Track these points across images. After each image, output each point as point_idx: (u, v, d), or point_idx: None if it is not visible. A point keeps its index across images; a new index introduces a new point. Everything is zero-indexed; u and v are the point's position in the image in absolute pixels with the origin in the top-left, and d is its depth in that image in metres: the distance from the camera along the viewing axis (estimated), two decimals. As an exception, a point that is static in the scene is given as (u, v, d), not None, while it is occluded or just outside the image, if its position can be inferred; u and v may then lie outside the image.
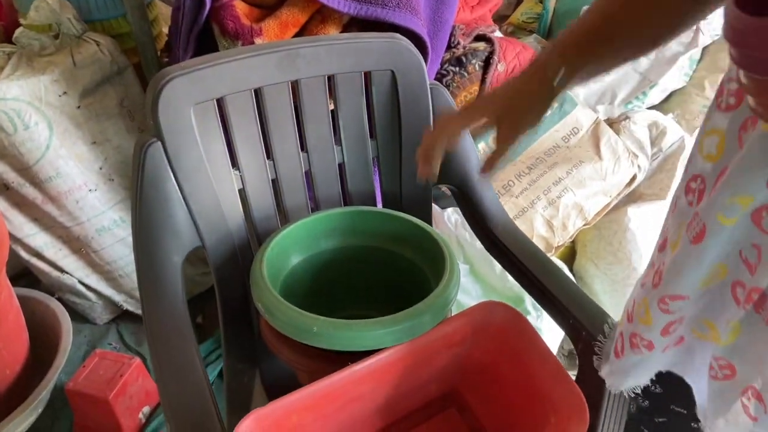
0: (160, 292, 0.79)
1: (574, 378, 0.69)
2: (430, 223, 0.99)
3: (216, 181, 0.83)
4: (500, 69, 1.15)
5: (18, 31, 1.23)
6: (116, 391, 1.19)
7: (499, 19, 2.21)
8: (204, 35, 1.10)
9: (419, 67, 0.91)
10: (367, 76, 0.90)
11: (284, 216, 0.92)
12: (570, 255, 1.44)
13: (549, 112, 0.63)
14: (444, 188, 1.11)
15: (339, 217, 0.88)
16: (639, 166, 1.34)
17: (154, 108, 0.77)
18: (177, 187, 0.81)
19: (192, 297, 1.49)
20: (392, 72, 0.90)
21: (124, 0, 1.25)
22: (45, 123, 1.21)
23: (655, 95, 1.57)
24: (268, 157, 0.88)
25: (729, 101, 0.50)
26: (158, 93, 0.77)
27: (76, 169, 1.27)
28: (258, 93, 0.83)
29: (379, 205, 0.99)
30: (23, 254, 1.34)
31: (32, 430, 1.23)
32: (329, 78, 0.88)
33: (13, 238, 1.30)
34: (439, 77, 1.15)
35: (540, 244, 1.29)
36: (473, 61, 1.14)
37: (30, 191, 1.26)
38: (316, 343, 0.67)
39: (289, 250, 0.85)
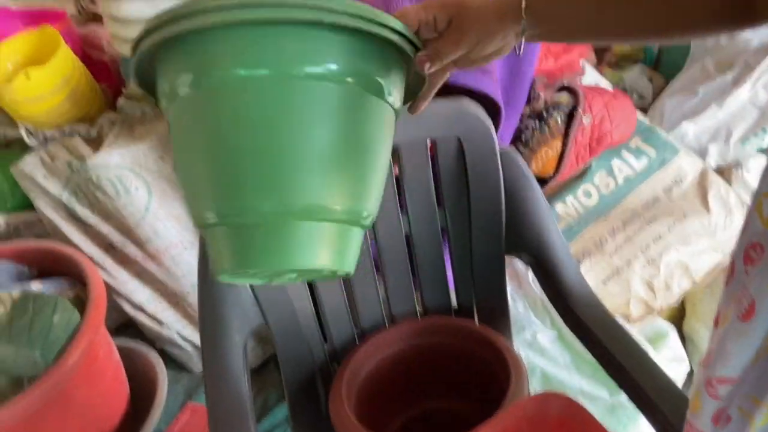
0: (222, 372, 0.80)
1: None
2: (504, 294, 0.94)
3: (279, 257, 0.84)
4: (586, 122, 1.07)
5: (121, 100, 1.32)
6: (205, 445, 1.23)
7: (602, 48, 2.10)
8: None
9: (488, 133, 0.86)
10: (433, 142, 0.87)
11: (350, 289, 0.90)
12: (679, 315, 1.30)
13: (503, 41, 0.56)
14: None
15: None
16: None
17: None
18: (240, 266, 0.82)
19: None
20: (458, 139, 0.86)
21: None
22: (144, 187, 1.29)
23: (778, 132, 1.40)
24: (332, 231, 0.87)
25: None
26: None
27: (173, 230, 1.34)
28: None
29: (450, 276, 0.95)
30: (128, 308, 1.42)
31: (130, 480, 1.29)
32: (394, 145, 0.86)
33: (118, 293, 1.39)
34: (518, 133, 1.10)
35: (638, 308, 1.18)
36: (555, 115, 1.07)
37: (132, 250, 1.34)
38: None
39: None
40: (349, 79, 0.53)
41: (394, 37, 0.54)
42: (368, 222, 0.58)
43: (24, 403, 0.95)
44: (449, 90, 1.00)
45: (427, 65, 0.57)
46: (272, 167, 0.51)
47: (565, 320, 0.91)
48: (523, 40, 0.57)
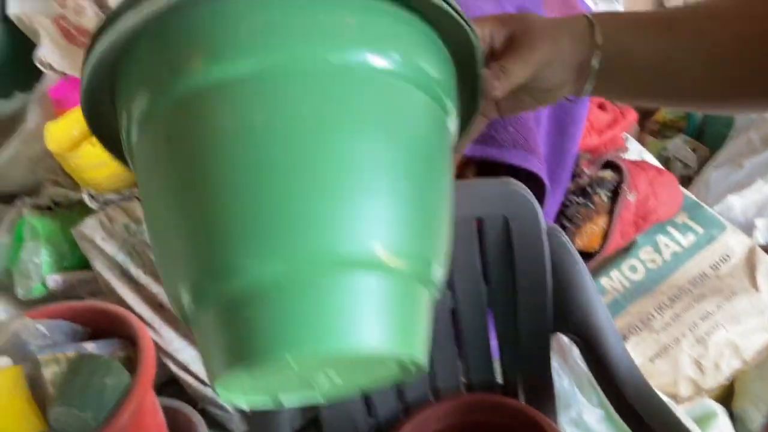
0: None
1: None
2: (549, 372, 0.93)
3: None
4: (631, 199, 1.08)
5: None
6: None
7: (644, 116, 2.11)
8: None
9: (534, 212, 0.88)
10: (480, 220, 0.89)
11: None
12: (728, 394, 1.27)
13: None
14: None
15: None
16: (809, 296, 1.17)
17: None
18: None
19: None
20: (505, 218, 0.88)
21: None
22: (195, 250, 1.33)
23: (830, 206, 1.38)
24: (379, 306, 0.88)
25: None
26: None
27: (220, 291, 1.37)
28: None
29: (495, 352, 0.95)
30: (172, 367, 1.45)
31: None
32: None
33: (164, 352, 1.42)
34: (563, 208, 1.11)
35: (687, 387, 1.15)
36: (599, 191, 1.09)
37: (180, 311, 1.38)
38: None
39: None
40: (411, 81, 0.39)
41: (474, 40, 0.44)
42: (438, 279, 0.43)
43: (74, 465, 0.97)
44: (496, 170, 1.03)
45: (496, 84, 0.47)
46: (305, 194, 0.35)
47: (610, 400, 0.90)
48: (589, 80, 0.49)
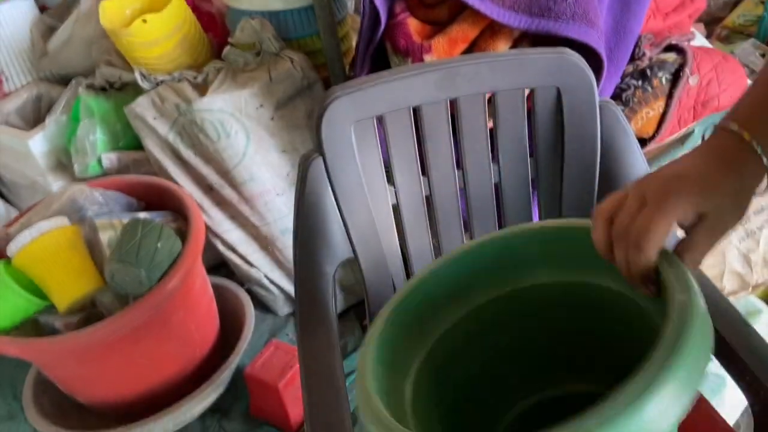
0: (312, 299, 0.84)
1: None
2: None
3: (371, 196, 0.86)
4: (692, 83, 1.03)
5: (226, 49, 1.39)
6: (285, 380, 1.29)
7: (713, 21, 1.99)
8: (381, 52, 1.15)
9: (588, 85, 0.85)
10: (530, 93, 0.86)
11: (436, 233, 0.92)
12: (775, 295, 1.24)
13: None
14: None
15: (494, 248, 0.61)
16: None
17: (319, 125, 0.82)
18: (334, 201, 0.85)
19: (361, 300, 1.56)
20: (557, 89, 0.85)
21: (317, 19, 1.35)
22: (243, 132, 1.35)
23: None
24: (423, 174, 0.88)
25: None
26: (323, 111, 0.82)
27: (267, 174, 1.40)
28: (417, 110, 0.85)
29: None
30: (221, 247, 1.51)
31: (215, 406, 1.38)
32: (490, 94, 0.86)
33: (213, 233, 1.47)
34: (619, 91, 1.07)
35: (733, 282, 1.13)
36: (659, 74, 1.03)
37: (228, 192, 1.42)
38: None
39: (424, 322, 0.60)
40: None
41: None
42: None
43: (130, 317, 1.04)
44: (551, 40, 0.99)
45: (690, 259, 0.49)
46: None
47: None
48: None
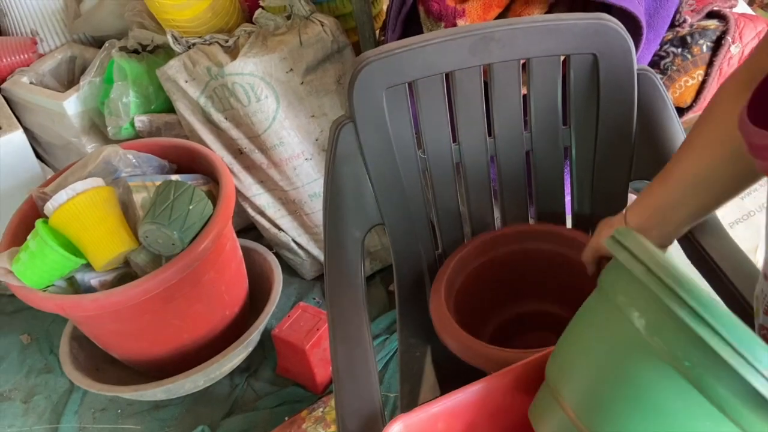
0: (341, 263, 0.85)
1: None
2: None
3: (401, 162, 0.86)
4: (734, 51, 0.99)
5: (257, 12, 1.38)
6: (312, 342, 1.32)
7: (758, -13, 1.91)
8: (413, 16, 1.13)
9: (627, 51, 0.83)
10: (566, 59, 0.85)
11: (466, 201, 0.92)
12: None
13: None
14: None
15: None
16: None
17: (350, 90, 0.82)
18: (364, 166, 0.85)
19: (386, 266, 1.57)
20: (594, 56, 0.84)
21: (348, -19, 1.34)
22: (273, 96, 1.35)
23: None
24: (453, 141, 0.88)
25: None
26: (355, 76, 0.81)
27: (296, 139, 1.40)
28: (449, 76, 0.84)
29: (567, 198, 0.93)
30: (250, 211, 1.53)
31: (244, 365, 1.42)
32: (525, 60, 0.85)
33: (242, 196, 1.49)
34: (657, 59, 1.04)
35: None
36: (700, 42, 1.00)
37: (258, 156, 1.43)
38: None
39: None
40: None
41: None
42: None
43: (163, 277, 1.06)
44: (588, 5, 0.97)
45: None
46: None
47: (690, 257, 0.87)
48: None
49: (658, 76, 0.97)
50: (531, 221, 0.96)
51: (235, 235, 1.36)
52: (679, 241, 0.82)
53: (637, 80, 0.84)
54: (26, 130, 1.53)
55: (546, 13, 0.98)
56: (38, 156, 1.62)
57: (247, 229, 1.68)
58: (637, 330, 0.46)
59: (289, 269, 1.63)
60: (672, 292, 0.44)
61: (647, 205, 0.69)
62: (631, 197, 0.91)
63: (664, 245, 0.71)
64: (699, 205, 0.66)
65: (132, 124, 1.48)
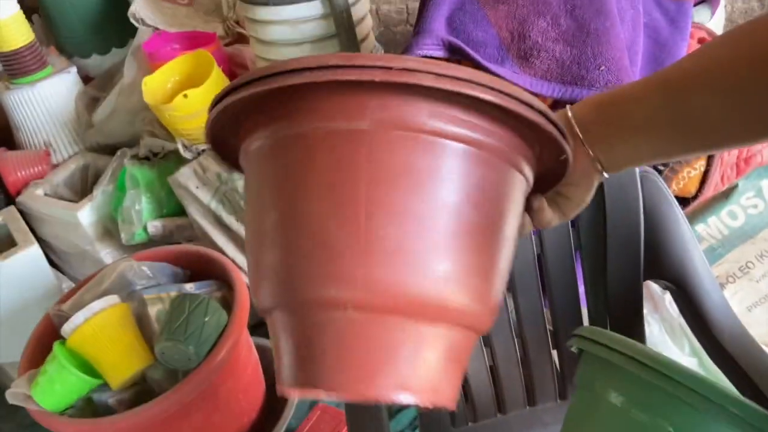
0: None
1: None
2: (641, 320, 0.91)
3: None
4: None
5: (264, 119, 1.42)
6: (333, 446, 1.29)
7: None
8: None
9: (627, 155, 0.85)
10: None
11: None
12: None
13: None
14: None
15: None
16: None
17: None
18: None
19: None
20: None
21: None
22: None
23: None
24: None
25: None
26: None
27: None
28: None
29: (582, 301, 0.94)
30: (264, 309, 1.53)
31: (265, 470, 1.38)
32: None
33: (256, 296, 1.49)
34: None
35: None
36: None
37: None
38: None
39: None
40: None
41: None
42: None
43: (181, 394, 1.06)
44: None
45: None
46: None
47: (707, 350, 0.87)
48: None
49: (662, 169, 0.99)
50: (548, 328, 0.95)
51: (250, 337, 1.36)
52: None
53: (640, 182, 0.86)
54: (41, 241, 1.55)
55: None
56: (53, 263, 1.65)
57: (259, 324, 1.67)
58: (617, 406, 0.51)
59: (305, 364, 1.61)
60: (641, 364, 0.50)
61: (602, 97, 0.52)
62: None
63: (604, 160, 0.53)
64: (672, 111, 0.46)
65: (145, 229, 1.51)
